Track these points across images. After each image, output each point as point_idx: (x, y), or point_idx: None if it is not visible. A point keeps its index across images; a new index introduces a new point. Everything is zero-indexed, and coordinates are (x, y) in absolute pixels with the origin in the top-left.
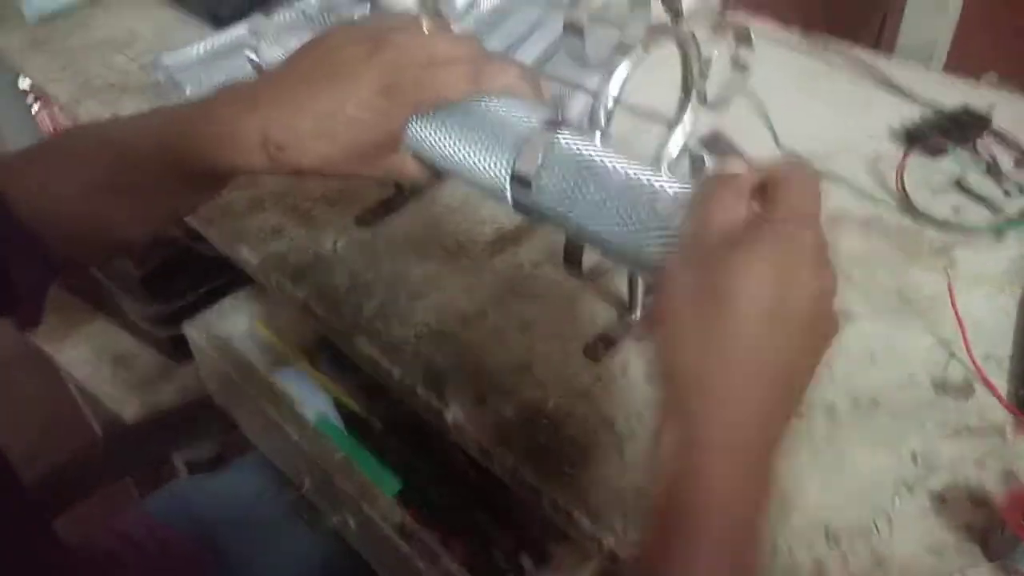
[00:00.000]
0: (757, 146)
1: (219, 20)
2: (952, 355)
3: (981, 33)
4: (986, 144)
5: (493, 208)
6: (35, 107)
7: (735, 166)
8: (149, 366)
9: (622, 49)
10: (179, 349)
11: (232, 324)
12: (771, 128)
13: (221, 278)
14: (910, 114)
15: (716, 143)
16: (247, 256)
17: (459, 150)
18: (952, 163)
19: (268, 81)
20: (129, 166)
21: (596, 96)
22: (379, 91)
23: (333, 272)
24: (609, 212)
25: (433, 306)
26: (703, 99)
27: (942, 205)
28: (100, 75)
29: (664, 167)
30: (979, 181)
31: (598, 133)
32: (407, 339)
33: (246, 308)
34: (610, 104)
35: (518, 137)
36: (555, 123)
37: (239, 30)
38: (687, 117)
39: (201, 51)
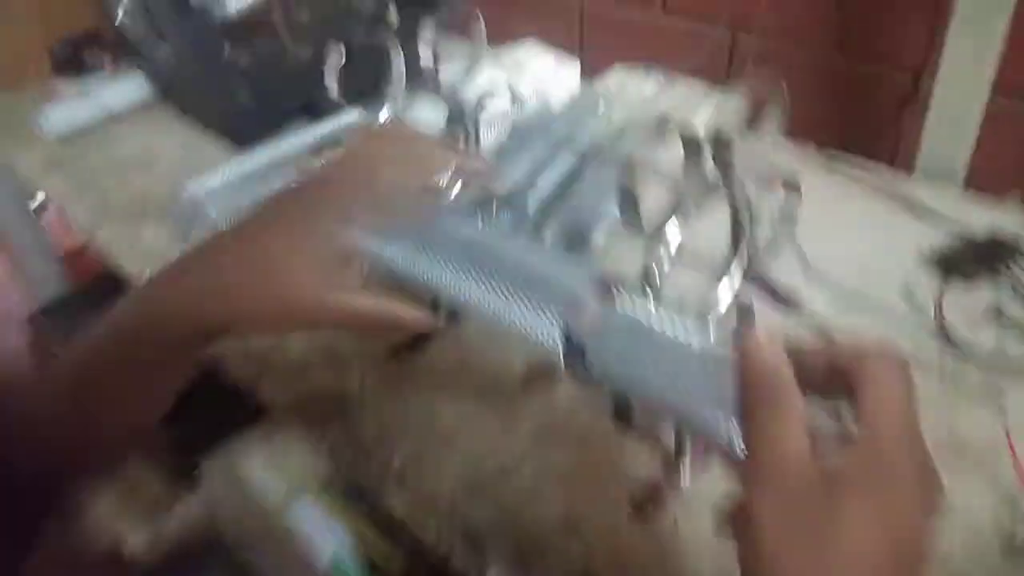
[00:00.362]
0: (786, 272)
1: (241, 140)
2: (1017, 511)
3: (1000, 151)
4: (1019, 271)
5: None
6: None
7: (780, 334)
8: (154, 493)
9: (676, 209)
10: (187, 476)
11: (248, 459)
12: (800, 253)
13: (238, 408)
14: (937, 237)
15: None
16: (269, 394)
17: (499, 305)
18: (987, 292)
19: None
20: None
21: (649, 257)
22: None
23: (361, 416)
24: (667, 378)
25: (468, 454)
26: (753, 252)
27: (984, 338)
28: (120, 197)
29: (713, 321)
30: (1018, 311)
31: (651, 294)
32: (441, 493)
33: (263, 442)
34: (666, 267)
35: (568, 297)
36: (607, 282)
37: (263, 156)
38: (736, 271)
39: (227, 178)
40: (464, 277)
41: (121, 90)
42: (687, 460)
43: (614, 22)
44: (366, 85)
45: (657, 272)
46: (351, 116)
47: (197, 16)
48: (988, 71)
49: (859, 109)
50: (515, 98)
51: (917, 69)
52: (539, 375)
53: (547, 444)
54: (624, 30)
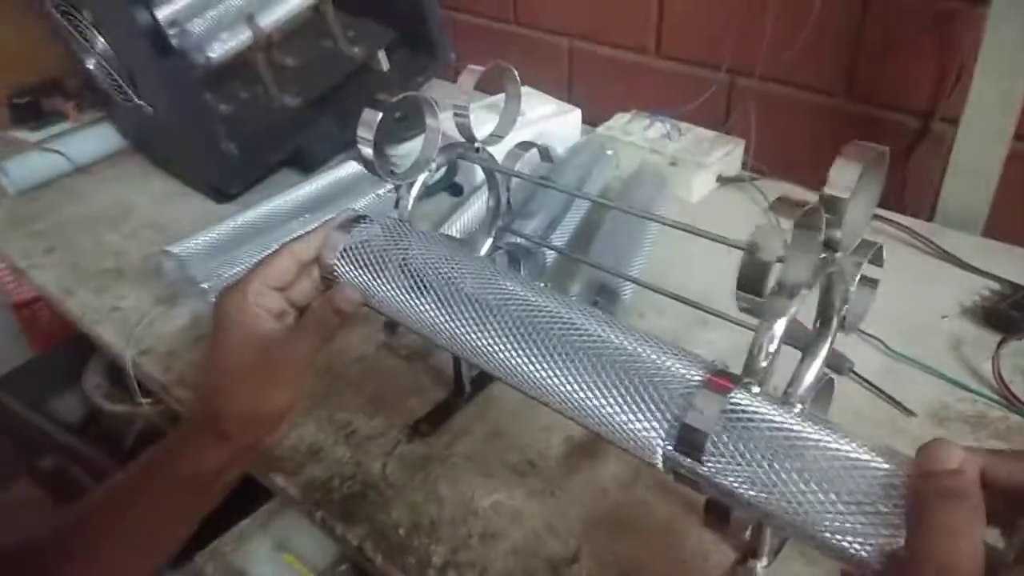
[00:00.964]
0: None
1: (223, 194)
2: None
3: (1019, 198)
4: None
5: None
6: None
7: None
8: None
9: (786, 290)
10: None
11: (249, 552)
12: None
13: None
14: (972, 286)
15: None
16: (283, 485)
17: (587, 399)
18: None
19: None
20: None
21: (756, 340)
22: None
23: (389, 505)
24: (797, 488)
25: (513, 548)
26: (842, 325)
27: None
28: (93, 258)
29: (799, 397)
30: None
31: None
32: None
33: (265, 531)
34: (773, 346)
35: (676, 394)
36: (721, 375)
37: (251, 214)
38: (825, 345)
39: (210, 240)
40: (515, 344)
41: (88, 141)
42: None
43: (605, 68)
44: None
45: (764, 358)
46: (346, 169)
47: (176, 62)
48: (1011, 118)
49: None
50: (543, 156)
51: (925, 114)
52: (581, 455)
53: (599, 535)
54: (616, 75)
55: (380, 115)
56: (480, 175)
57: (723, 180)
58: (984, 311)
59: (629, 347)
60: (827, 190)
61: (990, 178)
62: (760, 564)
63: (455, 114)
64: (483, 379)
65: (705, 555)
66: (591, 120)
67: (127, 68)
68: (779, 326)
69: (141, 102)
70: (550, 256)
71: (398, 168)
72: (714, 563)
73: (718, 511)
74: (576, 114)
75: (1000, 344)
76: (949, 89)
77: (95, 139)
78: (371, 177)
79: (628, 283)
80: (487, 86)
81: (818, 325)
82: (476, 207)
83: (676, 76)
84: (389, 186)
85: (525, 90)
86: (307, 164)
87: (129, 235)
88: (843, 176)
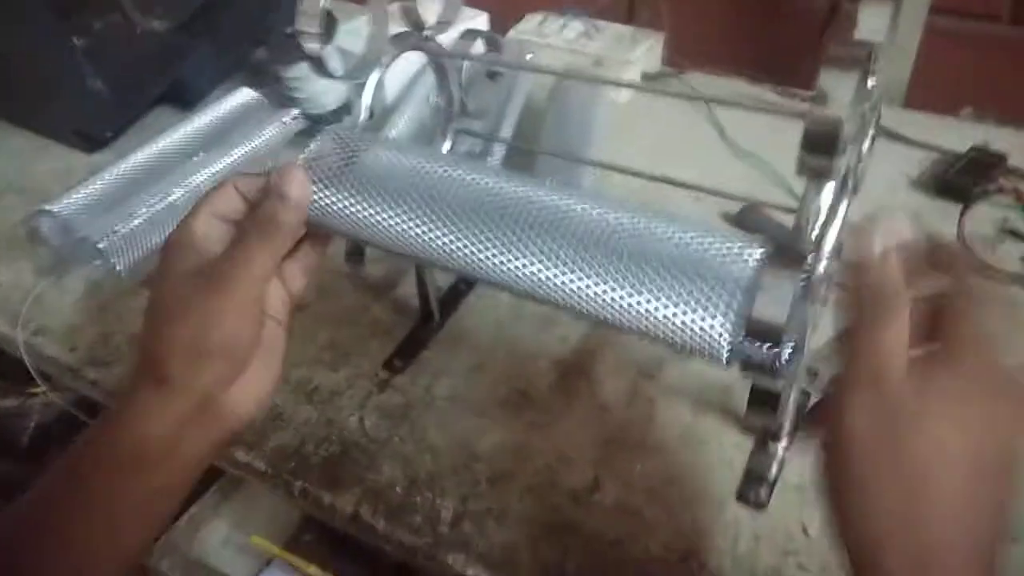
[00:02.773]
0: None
1: (95, 141)
2: None
3: (936, 70)
4: (1010, 182)
5: (535, 334)
6: None
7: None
8: None
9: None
10: None
11: (206, 538)
12: (791, 191)
13: None
14: (912, 157)
15: (751, 216)
16: (247, 460)
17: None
18: (989, 208)
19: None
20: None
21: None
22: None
23: (377, 462)
24: None
25: (527, 487)
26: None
27: (1010, 258)
28: None
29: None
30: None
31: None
32: (516, 542)
33: (218, 513)
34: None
35: (738, 279)
36: (786, 253)
37: (132, 161)
38: (843, 209)
39: (93, 191)
40: (537, 251)
41: None
42: (783, 443)
43: None
44: (237, 52)
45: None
46: (234, 99)
47: None
48: None
49: (779, 37)
50: (490, 44)
51: None
52: (573, 376)
53: (614, 456)
54: None
55: (324, 1)
56: (390, 95)
57: (647, 77)
58: (935, 181)
59: (667, 233)
60: (859, 35)
61: (909, 50)
62: (780, 445)
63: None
64: (451, 301)
65: (729, 461)
66: (493, 26)
67: None
68: (828, 190)
69: None
70: (496, 159)
71: (297, 94)
72: (739, 467)
73: (768, 400)
74: (483, 18)
75: (963, 212)
76: None
77: None
78: (267, 104)
79: (583, 182)
80: None
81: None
82: (405, 120)
83: None
84: (295, 112)
85: None
86: (186, 98)
87: None
88: (875, 18)
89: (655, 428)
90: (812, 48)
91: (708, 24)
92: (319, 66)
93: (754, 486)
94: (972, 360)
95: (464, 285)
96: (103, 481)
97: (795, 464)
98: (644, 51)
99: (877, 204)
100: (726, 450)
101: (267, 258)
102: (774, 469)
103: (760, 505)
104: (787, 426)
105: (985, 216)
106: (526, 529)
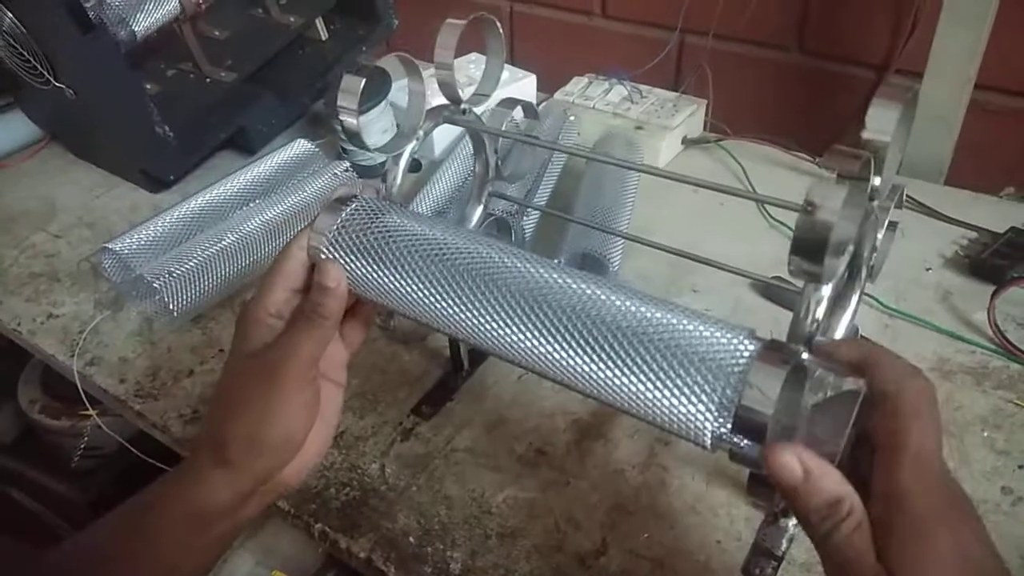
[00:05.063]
0: None
1: (158, 182)
2: None
3: (980, 148)
4: None
5: (556, 392)
6: None
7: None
8: None
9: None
10: None
11: (232, 572)
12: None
13: None
14: (948, 236)
15: (777, 290)
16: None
17: (626, 384)
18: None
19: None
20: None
21: (803, 305)
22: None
23: (393, 510)
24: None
25: (535, 546)
26: (870, 274)
27: None
28: (19, 262)
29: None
30: None
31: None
32: None
33: (245, 547)
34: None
35: (726, 370)
36: (772, 346)
37: (191, 204)
38: (855, 298)
39: (153, 232)
40: (526, 322)
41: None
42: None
43: (547, 31)
44: (298, 103)
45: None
46: (293, 148)
47: (99, 37)
48: (974, 66)
49: (823, 109)
50: (527, 113)
51: (880, 66)
52: (589, 436)
53: (622, 521)
54: (559, 39)
55: (363, 80)
56: (438, 149)
57: (688, 142)
58: (969, 261)
59: (662, 319)
60: (866, 135)
61: (953, 127)
62: (791, 522)
63: (437, 73)
64: (481, 353)
65: (738, 535)
66: (540, 87)
67: (41, 48)
68: (827, 288)
69: (61, 85)
70: (528, 229)
71: (349, 147)
72: (747, 542)
73: (766, 482)
74: (531, 80)
75: (994, 294)
76: (904, 41)
77: (3, 130)
78: (322, 154)
79: (615, 254)
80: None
81: (846, 276)
82: (448, 176)
83: (623, 37)
84: (346, 164)
85: (471, 57)
86: (248, 144)
87: (57, 235)
88: (881, 119)
89: (666, 495)
90: (857, 120)
91: (751, 90)
92: (356, 139)
93: (760, 561)
94: (917, 505)
95: None
96: (167, 532)
97: (803, 541)
98: (686, 117)
99: (902, 281)
100: (736, 523)
101: (313, 346)
102: (783, 545)
103: None
104: None
105: (1018, 299)
106: None
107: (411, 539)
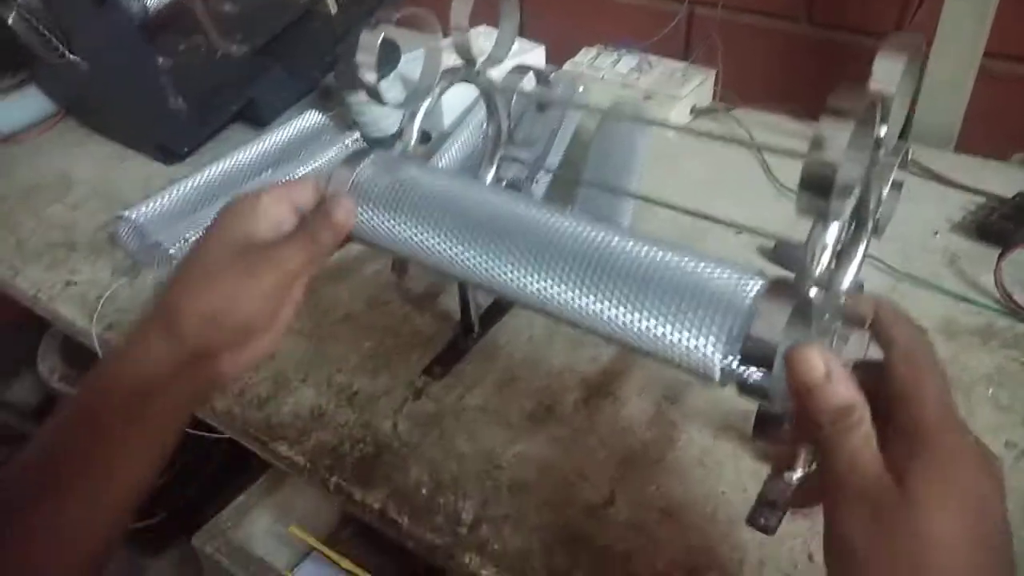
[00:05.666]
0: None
1: (172, 154)
2: None
3: (988, 114)
4: None
5: (566, 353)
6: None
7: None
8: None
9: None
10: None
11: (250, 526)
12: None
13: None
14: (956, 201)
15: (783, 252)
16: (288, 454)
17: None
18: None
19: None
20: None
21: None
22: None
23: (406, 465)
24: None
25: (546, 498)
26: (876, 228)
27: None
28: (37, 232)
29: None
30: None
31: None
32: (529, 549)
33: (263, 504)
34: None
35: (734, 304)
36: (787, 284)
37: (206, 174)
38: (861, 248)
39: (169, 201)
40: (537, 267)
41: (12, 107)
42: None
43: (557, 3)
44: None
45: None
46: (304, 120)
47: (113, 10)
48: (983, 34)
49: (832, 79)
50: (540, 79)
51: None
52: (597, 393)
53: (632, 474)
54: (568, 11)
55: (381, 35)
56: (447, 120)
57: (697, 112)
58: (976, 225)
59: (672, 260)
60: (873, 85)
61: (963, 94)
62: (795, 475)
63: (453, 32)
64: (491, 315)
65: (744, 487)
66: (550, 58)
67: (56, 21)
68: (834, 229)
69: (75, 58)
70: (537, 196)
71: (359, 118)
72: (752, 493)
73: (771, 420)
74: (540, 51)
75: (1001, 256)
76: (913, 10)
77: (20, 105)
78: (332, 126)
79: (624, 213)
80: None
81: (852, 228)
82: (458, 145)
83: (632, 8)
84: (356, 135)
85: (482, 29)
86: (260, 117)
87: (74, 206)
88: (888, 69)
89: (674, 450)
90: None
91: (761, 61)
92: (374, 94)
93: (764, 511)
94: (946, 440)
95: (505, 302)
96: (106, 414)
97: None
98: (695, 87)
99: (909, 244)
100: (742, 475)
101: (301, 266)
102: (787, 497)
103: (768, 530)
104: (802, 456)
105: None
106: (540, 536)
107: (423, 491)
